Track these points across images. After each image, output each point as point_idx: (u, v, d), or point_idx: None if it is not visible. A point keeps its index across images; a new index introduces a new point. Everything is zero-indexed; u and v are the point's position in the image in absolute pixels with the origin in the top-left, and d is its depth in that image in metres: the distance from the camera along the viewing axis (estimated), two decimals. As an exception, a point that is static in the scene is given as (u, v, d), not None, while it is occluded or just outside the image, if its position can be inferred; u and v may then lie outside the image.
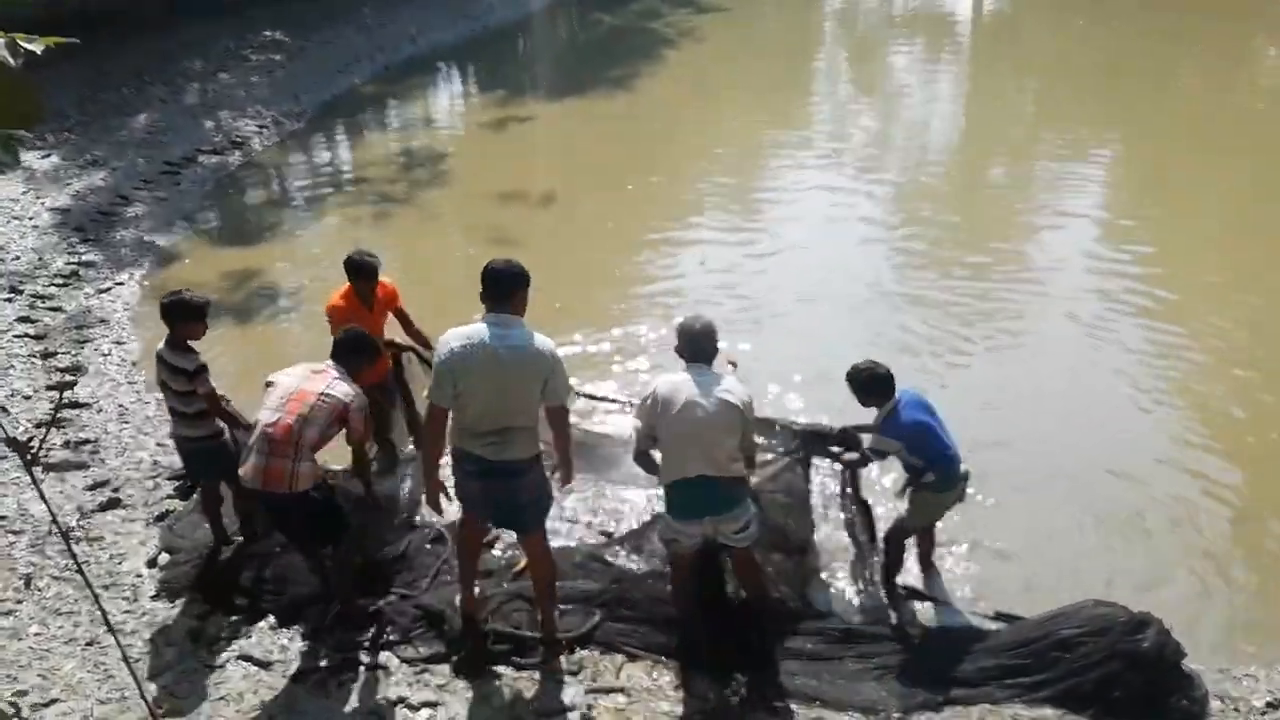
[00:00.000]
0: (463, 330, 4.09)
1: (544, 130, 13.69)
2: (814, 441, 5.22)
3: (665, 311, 8.25)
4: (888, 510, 5.37)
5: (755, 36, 18.69)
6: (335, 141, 13.88)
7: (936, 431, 4.69)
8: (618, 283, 9.00)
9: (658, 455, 4.33)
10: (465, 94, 16.40)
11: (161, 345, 4.99)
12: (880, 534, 5.17)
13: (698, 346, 4.23)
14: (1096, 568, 5.27)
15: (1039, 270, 8.90)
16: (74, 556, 2.88)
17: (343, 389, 4.51)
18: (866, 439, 4.90)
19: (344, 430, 4.61)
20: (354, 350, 4.66)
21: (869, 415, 4.87)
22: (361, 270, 5.55)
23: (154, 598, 5.14)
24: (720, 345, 4.37)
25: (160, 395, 7.24)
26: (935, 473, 4.68)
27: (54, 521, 3.05)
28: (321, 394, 4.45)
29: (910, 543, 5.15)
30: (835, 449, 5.13)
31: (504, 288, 4.08)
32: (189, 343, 4.95)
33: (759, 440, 4.66)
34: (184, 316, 4.88)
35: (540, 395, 4.06)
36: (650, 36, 17.92)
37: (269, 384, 4.60)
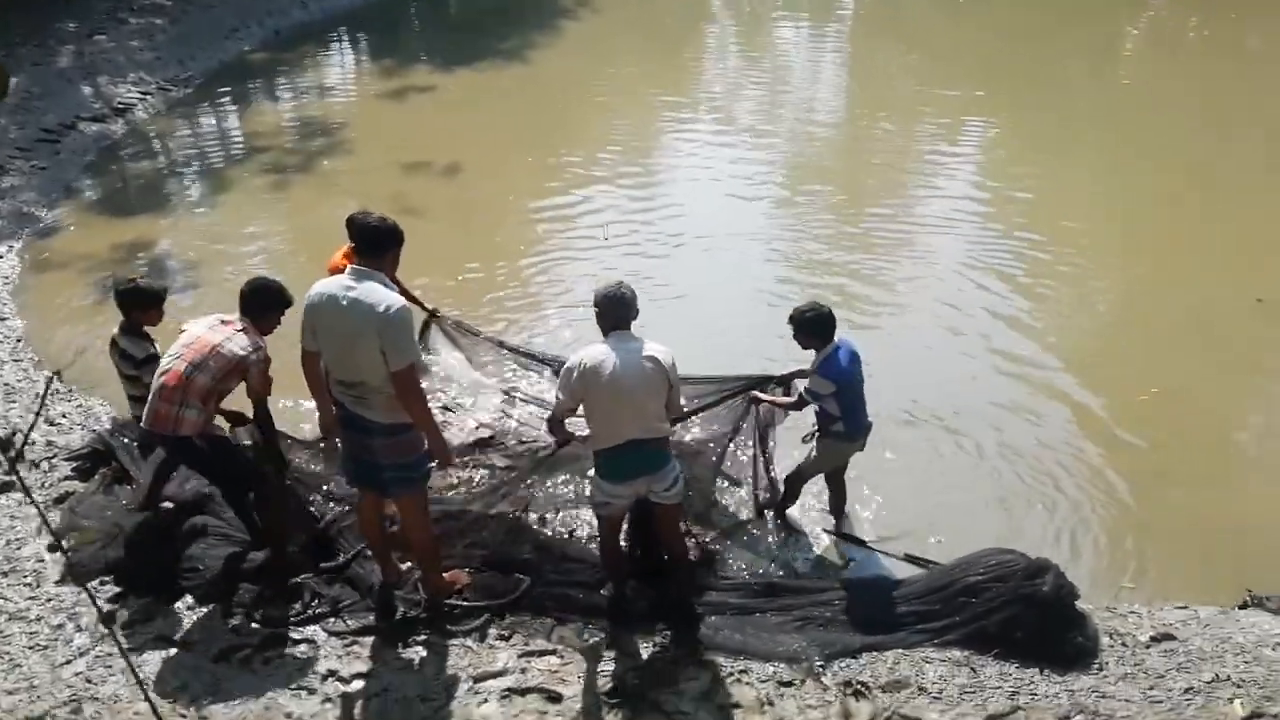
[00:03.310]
0: (330, 279, 4.21)
1: (444, 100, 13.42)
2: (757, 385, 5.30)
3: (567, 284, 8.35)
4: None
5: (651, 10, 18.69)
6: (226, 109, 13.29)
7: (860, 384, 4.94)
8: (520, 255, 8.98)
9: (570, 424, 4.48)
10: (361, 62, 15.91)
11: (116, 329, 5.01)
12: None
13: (618, 314, 4.26)
14: (991, 517, 5.61)
15: (923, 228, 9.35)
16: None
17: (241, 342, 4.53)
18: (801, 383, 5.10)
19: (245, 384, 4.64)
20: (260, 302, 4.64)
21: None
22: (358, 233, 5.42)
23: (59, 582, 4.96)
24: None
25: (48, 373, 7.02)
26: (845, 423, 4.93)
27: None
28: (218, 345, 4.49)
29: (820, 492, 5.43)
30: (776, 391, 5.23)
31: (372, 244, 4.19)
32: (145, 329, 4.98)
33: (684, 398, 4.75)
34: (139, 304, 4.91)
35: (382, 356, 4.01)
36: (548, 7, 17.72)
37: (181, 330, 4.66)
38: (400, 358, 4.02)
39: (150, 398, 4.55)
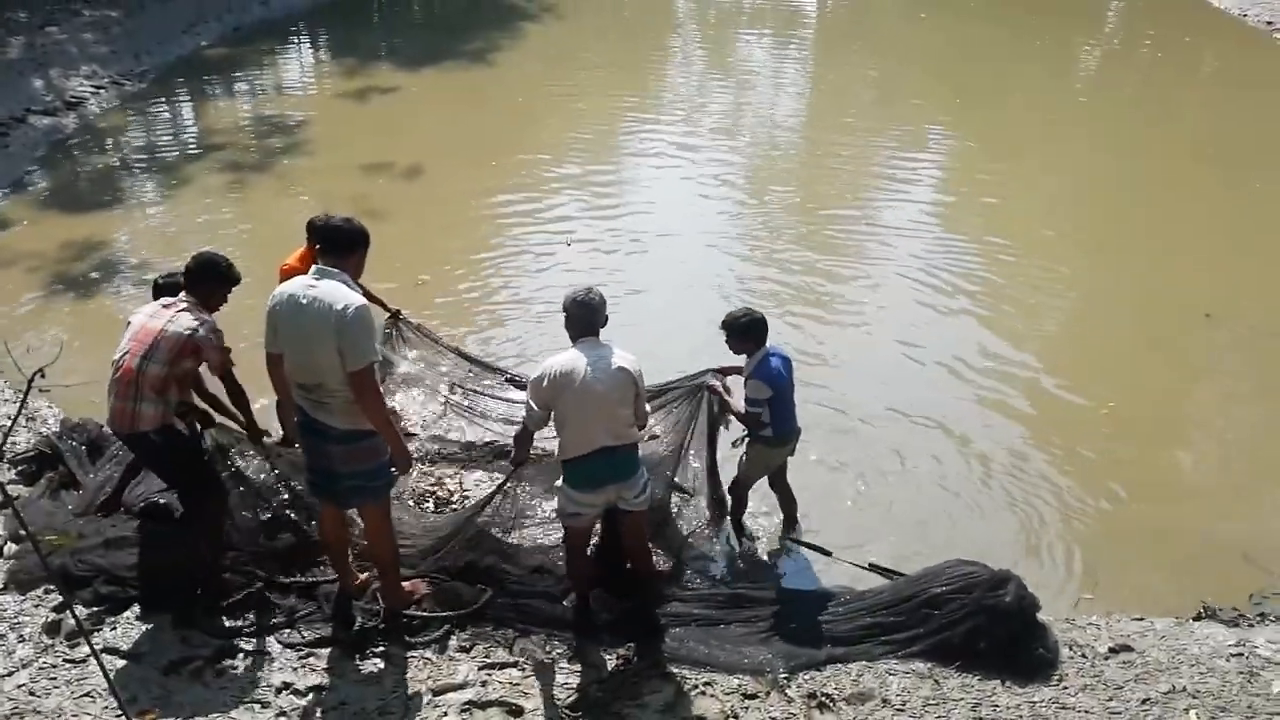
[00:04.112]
0: (292, 280, 4.12)
1: (406, 101, 13.29)
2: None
3: (530, 290, 8.29)
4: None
5: (616, 16, 18.74)
6: (182, 105, 13.05)
7: (790, 390, 4.98)
8: (482, 258, 8.90)
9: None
10: (322, 60, 15.72)
11: None
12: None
13: (587, 321, 4.23)
14: (953, 528, 5.63)
15: (885, 232, 9.46)
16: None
17: (185, 321, 4.40)
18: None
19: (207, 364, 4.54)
20: (205, 277, 4.52)
21: None
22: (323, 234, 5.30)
23: (1, 590, 4.79)
24: None
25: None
26: (774, 427, 4.96)
27: None
28: (162, 329, 4.37)
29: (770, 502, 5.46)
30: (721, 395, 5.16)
31: (337, 245, 4.09)
32: None
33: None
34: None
35: (340, 357, 3.91)
36: (511, 11, 17.65)
37: (127, 323, 4.55)
38: (358, 358, 3.93)
39: (108, 396, 4.43)
